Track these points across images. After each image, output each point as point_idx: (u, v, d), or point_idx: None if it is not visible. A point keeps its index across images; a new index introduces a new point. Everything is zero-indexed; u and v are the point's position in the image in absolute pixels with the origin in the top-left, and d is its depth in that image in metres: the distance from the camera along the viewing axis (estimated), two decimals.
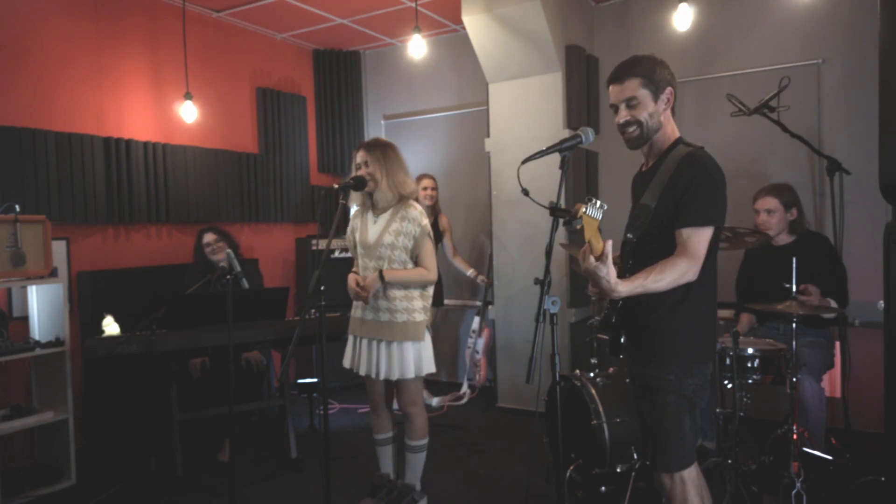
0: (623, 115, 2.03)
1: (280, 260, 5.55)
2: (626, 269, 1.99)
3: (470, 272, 4.88)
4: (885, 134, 2.20)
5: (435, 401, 4.76)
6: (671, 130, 2.08)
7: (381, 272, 2.85)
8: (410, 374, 2.89)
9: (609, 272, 1.74)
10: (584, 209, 1.70)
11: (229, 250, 3.65)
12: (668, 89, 2.03)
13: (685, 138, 2.10)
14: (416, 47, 4.31)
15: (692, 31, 4.35)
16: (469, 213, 5.49)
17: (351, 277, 2.97)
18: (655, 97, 2.02)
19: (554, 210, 1.74)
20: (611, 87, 2.08)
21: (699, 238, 1.92)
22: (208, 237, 4.04)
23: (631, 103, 2.01)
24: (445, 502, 3.24)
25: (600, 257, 1.72)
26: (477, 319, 5.13)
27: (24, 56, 3.82)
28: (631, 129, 2.04)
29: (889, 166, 2.20)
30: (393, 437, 3.15)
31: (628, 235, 1.88)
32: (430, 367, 2.96)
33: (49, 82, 3.95)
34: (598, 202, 1.72)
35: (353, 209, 3.13)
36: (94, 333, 3.66)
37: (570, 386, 3.23)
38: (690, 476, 2.01)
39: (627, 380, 3.24)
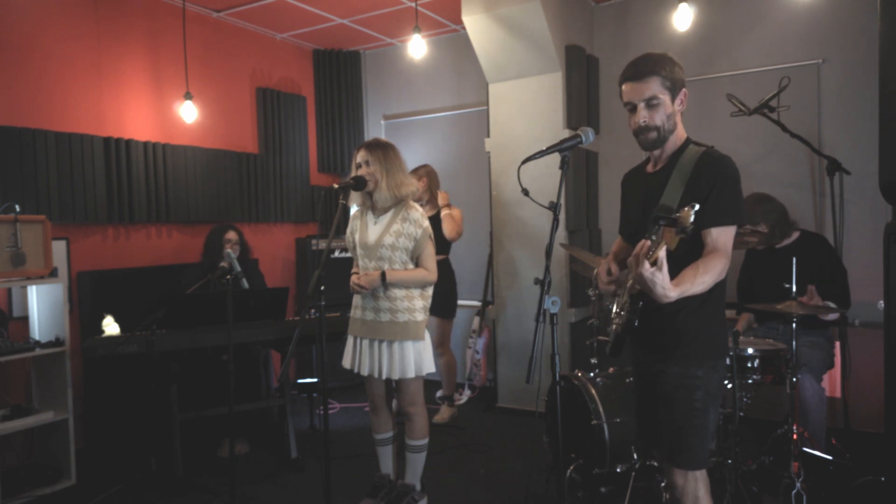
0: (642, 117, 1.98)
1: (280, 260, 5.55)
2: None
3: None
4: (885, 134, 2.21)
5: (439, 393, 4.73)
6: (681, 130, 2.06)
7: (383, 273, 2.85)
8: (411, 374, 2.90)
9: (665, 278, 1.70)
10: (692, 216, 1.62)
11: (229, 250, 3.66)
12: (684, 90, 2.01)
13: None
14: (416, 47, 4.31)
15: (692, 31, 4.35)
16: (469, 213, 5.48)
17: (353, 278, 2.98)
18: (673, 98, 1.99)
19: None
20: (627, 85, 2.00)
21: (728, 237, 1.92)
22: (231, 234, 4.13)
23: (651, 103, 1.96)
24: (445, 502, 3.24)
25: (655, 263, 1.67)
26: (477, 319, 5.13)
27: (24, 56, 3.82)
28: (649, 133, 1.99)
29: (889, 166, 2.20)
30: (393, 437, 3.15)
31: (652, 237, 1.84)
32: (430, 366, 2.97)
33: (49, 82, 3.95)
34: (697, 207, 1.65)
35: (353, 209, 3.13)
36: (94, 333, 3.66)
37: (570, 386, 3.23)
38: (703, 474, 2.02)
39: (629, 379, 3.24)
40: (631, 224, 2.20)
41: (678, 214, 1.60)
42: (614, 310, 2.39)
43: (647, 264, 1.66)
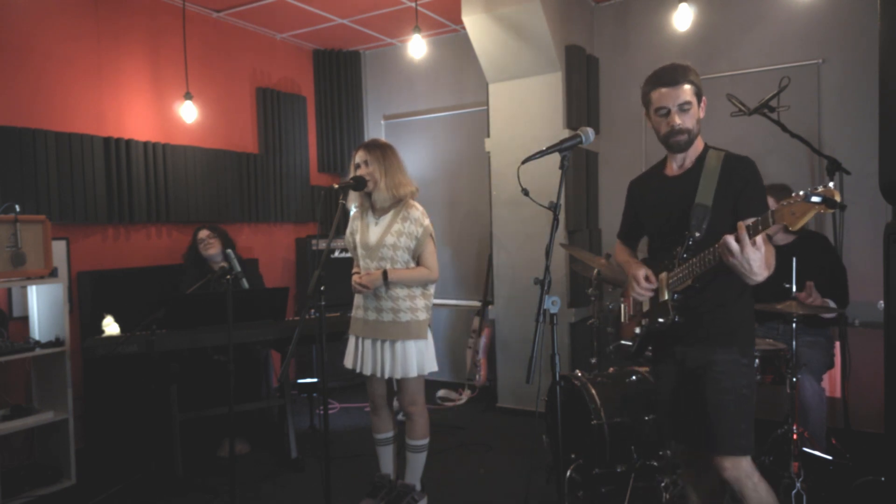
0: (677, 121, 2.09)
1: (280, 260, 5.55)
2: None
3: None
4: (885, 134, 2.21)
5: (440, 393, 4.73)
6: (700, 136, 2.19)
7: (384, 272, 2.85)
8: (413, 373, 2.90)
9: (762, 257, 1.82)
10: (837, 193, 1.67)
11: (229, 250, 3.65)
12: (704, 98, 2.15)
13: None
14: (416, 47, 4.31)
15: (692, 31, 4.35)
16: (469, 213, 5.49)
17: (354, 278, 2.98)
18: (698, 105, 2.13)
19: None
20: (661, 91, 2.10)
21: None
22: (202, 234, 4.12)
23: (684, 107, 2.09)
24: (445, 502, 3.24)
25: (754, 244, 1.78)
26: (477, 319, 5.13)
27: (24, 56, 3.82)
28: (681, 136, 2.11)
29: (889, 166, 2.21)
30: (393, 437, 3.15)
31: (696, 234, 2.02)
32: (432, 365, 2.97)
33: (49, 82, 3.94)
34: (832, 184, 1.70)
35: (353, 210, 3.13)
36: (94, 333, 3.66)
37: (570, 386, 3.23)
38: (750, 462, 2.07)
39: (628, 379, 3.24)
40: (652, 223, 2.30)
41: (823, 189, 1.62)
42: (624, 311, 2.41)
43: (748, 243, 1.77)
